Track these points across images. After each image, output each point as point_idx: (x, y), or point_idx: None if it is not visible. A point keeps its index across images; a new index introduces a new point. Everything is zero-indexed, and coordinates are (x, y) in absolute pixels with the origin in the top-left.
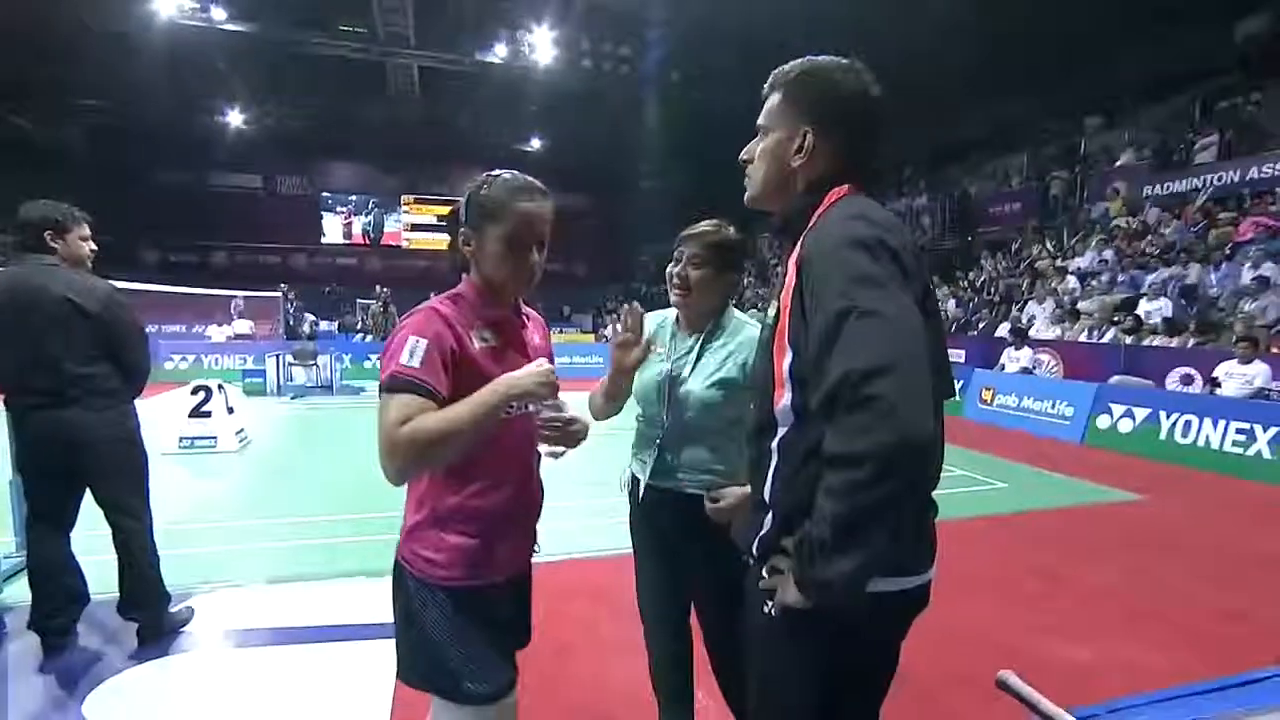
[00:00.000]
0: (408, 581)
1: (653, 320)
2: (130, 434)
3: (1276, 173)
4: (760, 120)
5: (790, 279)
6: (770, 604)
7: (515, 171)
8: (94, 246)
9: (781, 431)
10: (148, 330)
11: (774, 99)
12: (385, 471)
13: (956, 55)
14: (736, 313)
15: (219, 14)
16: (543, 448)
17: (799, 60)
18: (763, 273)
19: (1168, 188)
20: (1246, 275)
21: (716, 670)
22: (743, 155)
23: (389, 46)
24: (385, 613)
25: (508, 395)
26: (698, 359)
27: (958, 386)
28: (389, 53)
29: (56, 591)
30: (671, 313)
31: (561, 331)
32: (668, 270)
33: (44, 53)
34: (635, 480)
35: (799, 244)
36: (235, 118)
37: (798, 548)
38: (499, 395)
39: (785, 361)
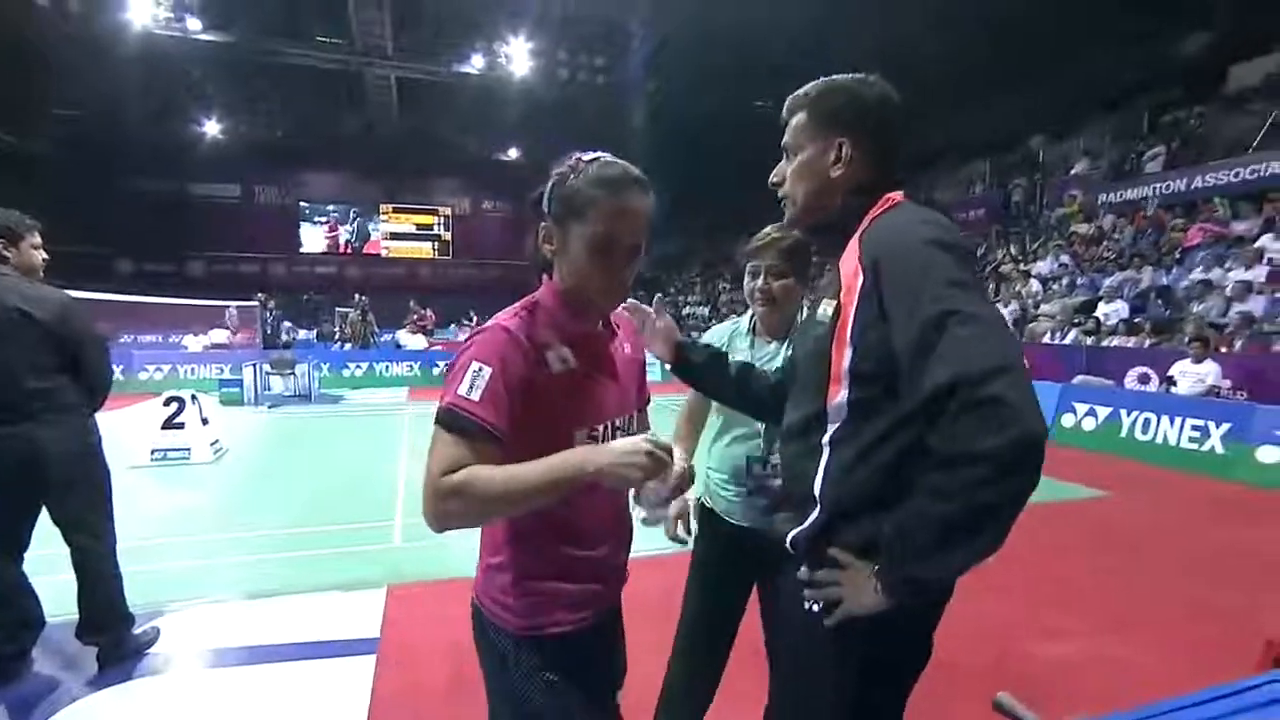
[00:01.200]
0: (489, 631)
1: (724, 329)
2: (91, 448)
3: (1219, 182)
4: (786, 141)
5: (854, 279)
6: (814, 603)
7: (609, 156)
8: (45, 255)
9: (833, 428)
10: (123, 340)
11: (799, 119)
12: (424, 515)
13: (921, 67)
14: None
15: (195, 24)
16: (637, 511)
17: (815, 81)
18: (741, 276)
19: (1121, 195)
20: (1196, 278)
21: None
22: (773, 179)
23: (366, 57)
24: (357, 628)
25: (587, 474)
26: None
27: None
28: (366, 63)
29: (9, 617)
30: (743, 321)
31: None
32: (747, 286)
33: (20, 63)
34: (711, 509)
35: (856, 247)
36: (213, 127)
37: (888, 547)
38: (575, 470)
39: (845, 358)
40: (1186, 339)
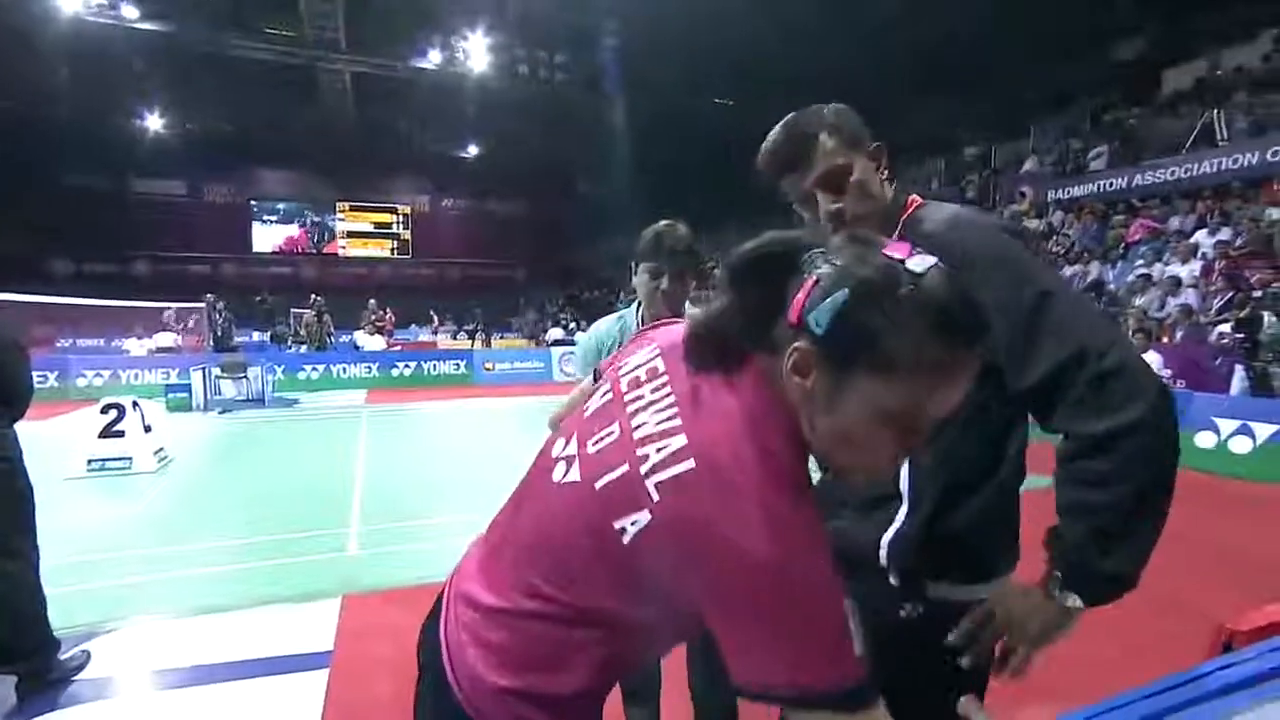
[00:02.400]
0: None
1: (611, 323)
2: (12, 460)
3: (1157, 180)
4: (827, 166)
5: None
6: (912, 609)
7: (941, 269)
8: None
9: None
10: (60, 344)
11: (830, 141)
12: None
13: (880, 68)
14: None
15: (130, 12)
16: None
17: (810, 109)
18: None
19: (1068, 192)
20: (1137, 272)
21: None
22: (833, 207)
23: (318, 50)
24: (310, 642)
25: None
26: None
27: None
28: (317, 57)
29: None
30: (628, 312)
31: (502, 337)
32: (646, 286)
33: None
34: None
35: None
36: (155, 121)
37: (1074, 554)
38: None
39: None
40: (1130, 331)
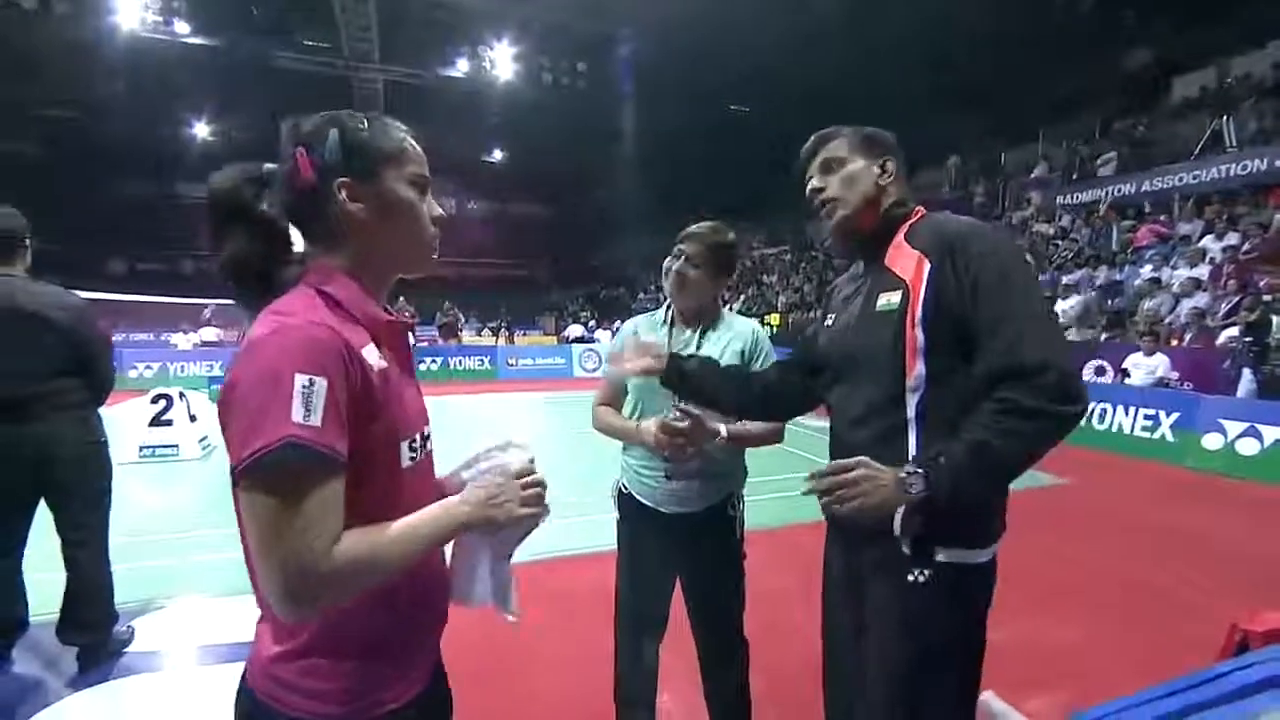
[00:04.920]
0: None
1: (640, 322)
2: (99, 448)
3: (1165, 185)
4: (831, 154)
5: (919, 267)
6: (920, 574)
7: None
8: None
9: (914, 401)
10: (115, 338)
11: (841, 142)
12: (283, 606)
13: (892, 76)
14: (725, 310)
15: (183, 28)
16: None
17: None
18: (746, 274)
19: (1076, 198)
20: (1145, 276)
21: (708, 677)
22: (816, 184)
23: (353, 61)
24: None
25: (474, 520)
26: (698, 349)
27: None
28: (354, 67)
29: None
30: (659, 312)
31: (525, 334)
32: (665, 265)
33: (5, 65)
34: (629, 488)
35: (906, 244)
36: (202, 129)
37: (962, 463)
38: (461, 518)
39: (919, 337)
40: (1139, 333)
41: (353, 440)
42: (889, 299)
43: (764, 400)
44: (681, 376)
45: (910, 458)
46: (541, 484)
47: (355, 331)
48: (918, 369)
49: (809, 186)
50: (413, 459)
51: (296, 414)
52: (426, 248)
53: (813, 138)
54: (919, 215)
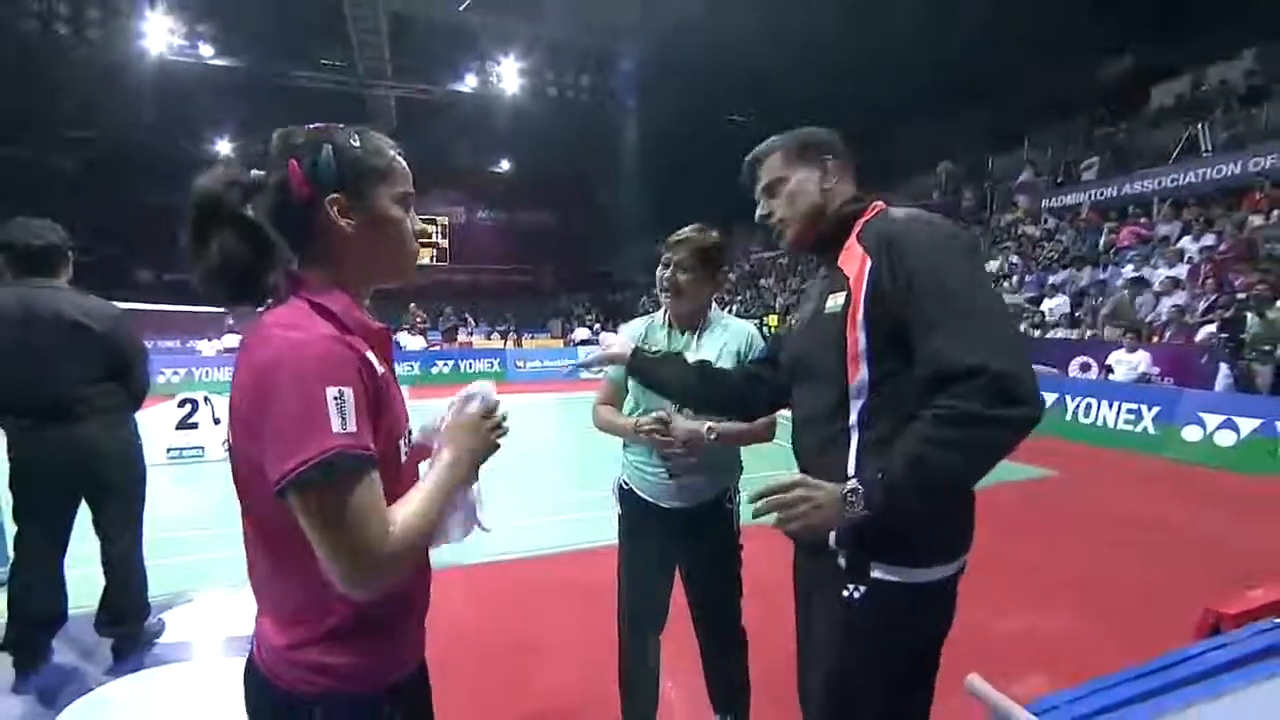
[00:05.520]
0: (302, 707)
1: (639, 324)
2: (135, 450)
3: (1145, 189)
4: (770, 178)
5: (861, 267)
6: (854, 590)
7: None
8: None
9: (857, 407)
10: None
11: (776, 159)
12: (357, 589)
13: (884, 85)
14: (718, 310)
15: (207, 50)
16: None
17: (775, 136)
18: (744, 277)
19: (1061, 201)
20: (1127, 276)
21: (709, 666)
22: (760, 213)
23: (367, 78)
24: None
25: (469, 464)
26: (696, 351)
27: None
28: (367, 84)
29: (36, 612)
30: (658, 314)
31: (534, 337)
32: (658, 274)
33: (42, 88)
34: (630, 484)
35: (856, 243)
36: (225, 146)
37: (897, 478)
38: (462, 466)
39: (861, 340)
40: (1121, 331)
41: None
42: (835, 300)
43: (729, 397)
44: (641, 367)
45: (850, 468)
46: (504, 416)
47: (355, 341)
48: (860, 373)
49: (758, 213)
50: (405, 453)
51: (335, 425)
52: (409, 262)
53: (746, 161)
54: (874, 211)
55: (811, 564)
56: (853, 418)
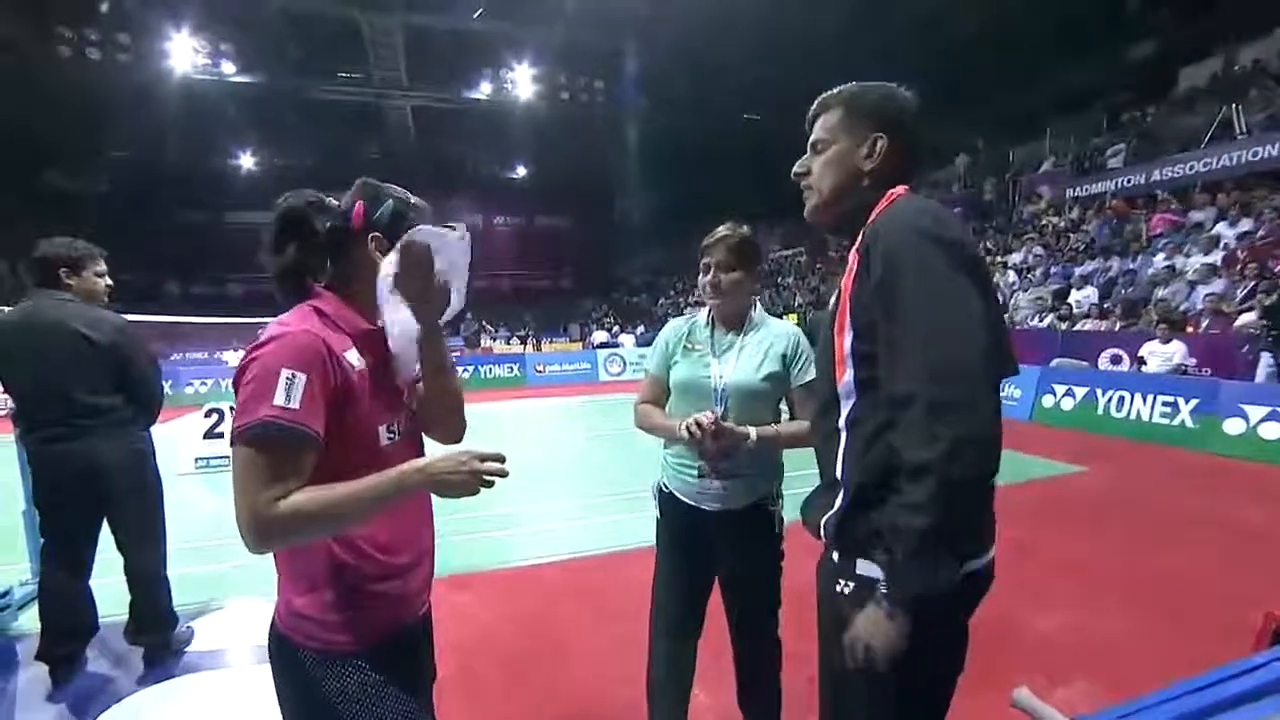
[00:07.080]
0: (307, 659)
1: (681, 324)
2: (145, 460)
3: (1174, 175)
4: (819, 135)
5: (852, 265)
6: (845, 585)
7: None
8: (109, 281)
9: (847, 409)
10: (172, 357)
11: (834, 115)
12: (246, 543)
13: (902, 77)
14: (761, 310)
15: (229, 68)
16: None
17: (853, 85)
18: (764, 276)
19: (1086, 190)
20: (1159, 265)
21: (744, 676)
22: (797, 169)
23: (383, 89)
24: None
25: (413, 489)
26: (740, 351)
27: None
28: (383, 95)
29: (65, 624)
30: (700, 314)
31: (552, 341)
32: (700, 280)
33: (73, 113)
34: (669, 486)
35: (861, 235)
36: (247, 160)
37: (890, 574)
38: (411, 484)
39: (847, 340)
40: (1154, 321)
41: (334, 421)
42: (833, 298)
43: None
44: None
45: (839, 471)
46: (500, 474)
47: (339, 338)
48: (846, 375)
49: (796, 165)
50: (390, 439)
51: (278, 399)
52: None
53: (816, 102)
54: (890, 200)
55: (821, 561)
56: (842, 419)
